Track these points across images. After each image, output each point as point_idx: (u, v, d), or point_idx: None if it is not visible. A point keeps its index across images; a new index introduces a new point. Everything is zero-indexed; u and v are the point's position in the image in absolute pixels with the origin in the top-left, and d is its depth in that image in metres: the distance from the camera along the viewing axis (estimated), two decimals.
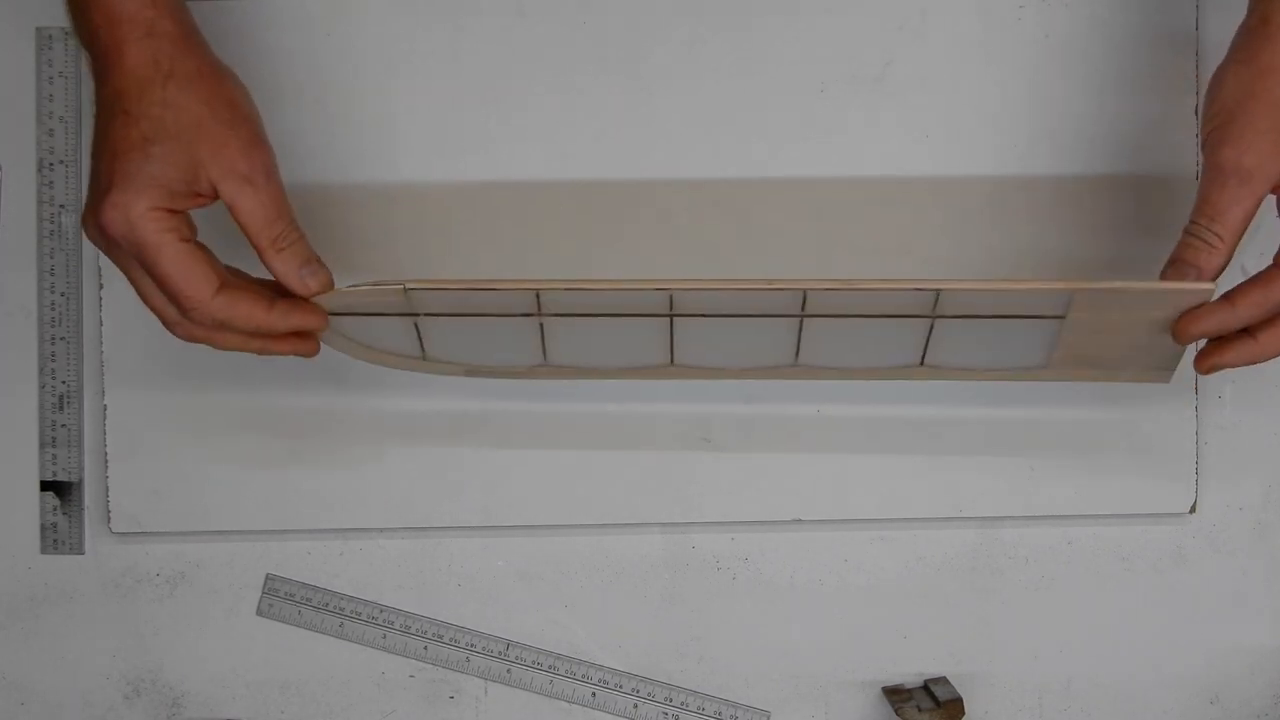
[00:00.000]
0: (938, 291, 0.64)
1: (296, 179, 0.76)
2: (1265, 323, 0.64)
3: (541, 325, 0.68)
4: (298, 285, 0.64)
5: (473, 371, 0.73)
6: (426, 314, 0.68)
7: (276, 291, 0.65)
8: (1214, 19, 0.76)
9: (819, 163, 0.76)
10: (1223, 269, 0.64)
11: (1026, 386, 0.73)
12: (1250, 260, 0.71)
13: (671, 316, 0.67)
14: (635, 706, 0.78)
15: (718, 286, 0.65)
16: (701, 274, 0.70)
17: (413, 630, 0.78)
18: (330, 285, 0.65)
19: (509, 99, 0.76)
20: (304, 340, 0.67)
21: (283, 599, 0.79)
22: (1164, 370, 0.70)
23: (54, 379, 0.78)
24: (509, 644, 0.79)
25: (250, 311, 0.63)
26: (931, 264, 0.76)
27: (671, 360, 0.70)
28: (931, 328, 0.67)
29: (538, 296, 0.66)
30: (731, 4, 0.76)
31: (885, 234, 0.76)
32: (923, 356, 0.69)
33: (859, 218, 0.76)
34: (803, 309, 0.66)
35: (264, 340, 0.65)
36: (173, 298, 0.62)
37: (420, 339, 0.70)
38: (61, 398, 0.78)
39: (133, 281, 0.64)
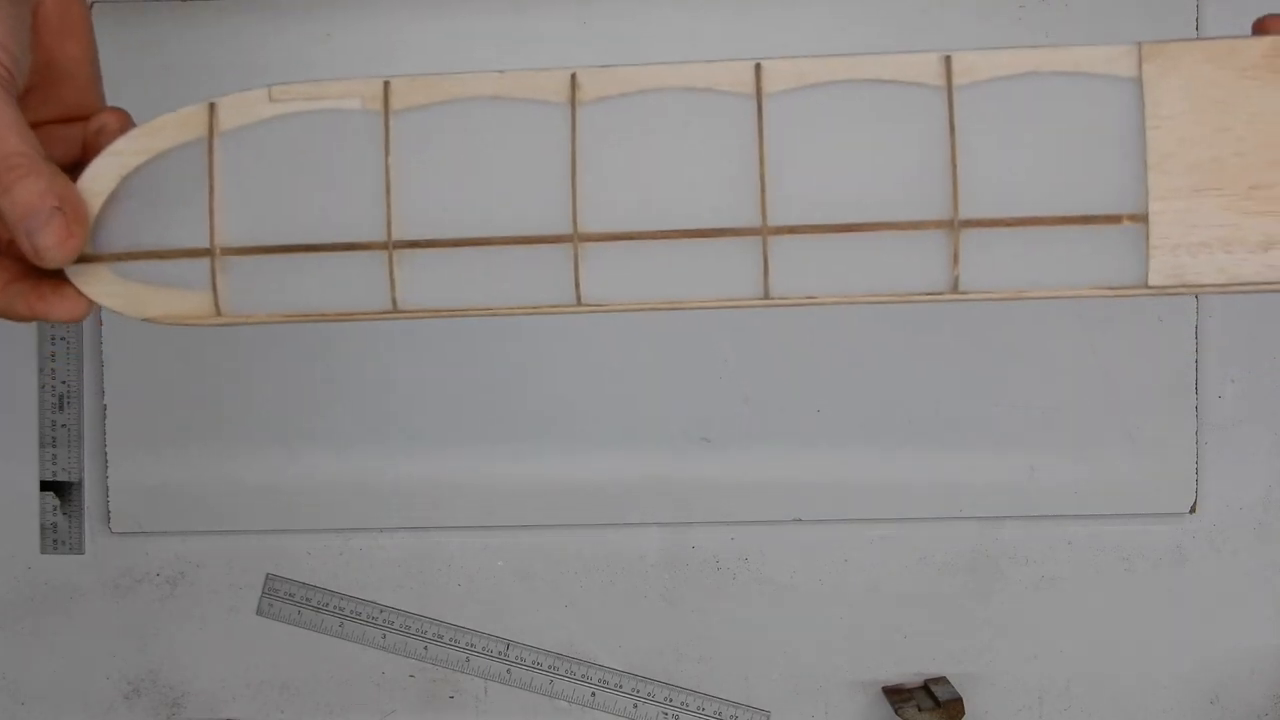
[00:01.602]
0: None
1: None
2: None
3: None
4: (29, 253, 0.45)
5: (294, 317, 0.51)
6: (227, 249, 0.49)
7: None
8: (1214, 19, 0.76)
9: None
10: None
11: (1027, 386, 0.73)
12: None
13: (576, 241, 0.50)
14: (635, 706, 0.78)
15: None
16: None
17: (413, 630, 0.78)
18: (75, 254, 0.46)
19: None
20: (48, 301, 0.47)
21: (283, 599, 0.79)
22: None
23: (54, 379, 0.78)
24: (509, 644, 0.79)
25: None
26: None
27: (578, 297, 0.49)
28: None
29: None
30: (731, 4, 0.76)
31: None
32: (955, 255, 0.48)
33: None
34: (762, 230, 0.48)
35: None
36: None
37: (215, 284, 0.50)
38: (61, 398, 0.78)
39: None
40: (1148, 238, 0.46)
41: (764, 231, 0.48)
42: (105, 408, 0.77)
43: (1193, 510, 0.78)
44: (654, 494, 0.77)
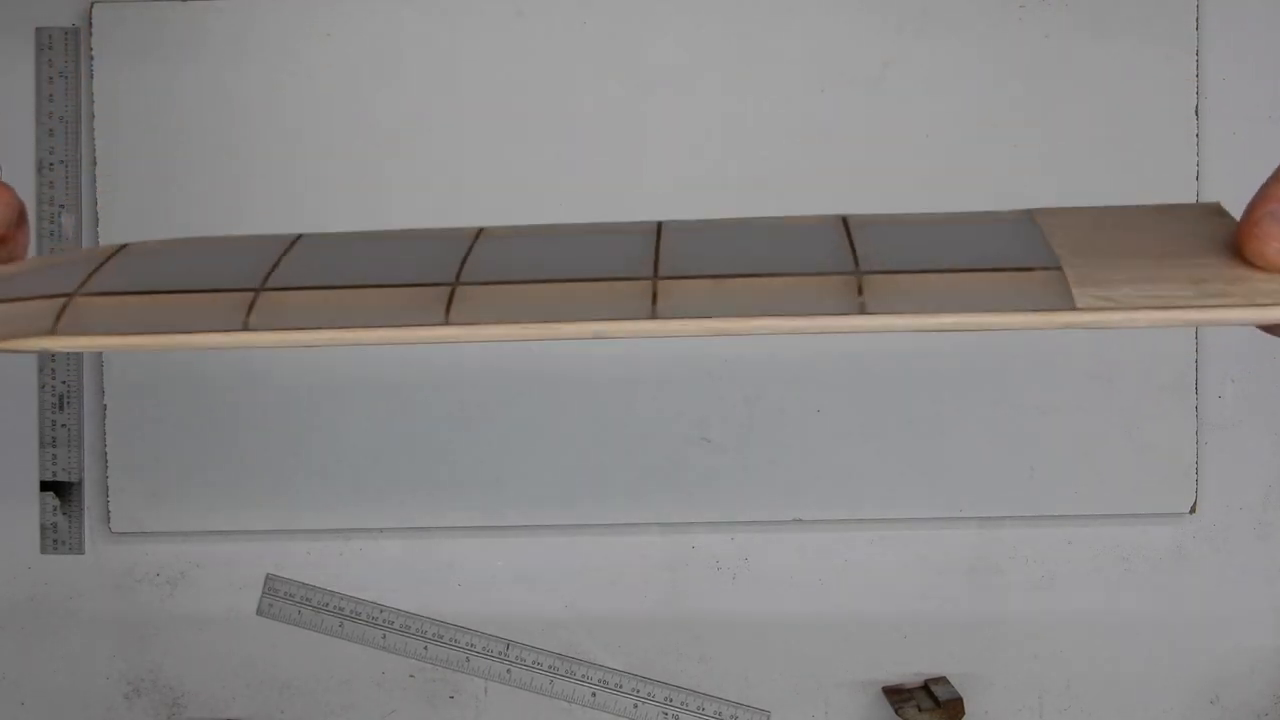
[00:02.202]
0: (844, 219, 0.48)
1: (292, 180, 0.76)
2: None
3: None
4: None
5: (134, 339, 0.47)
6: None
7: None
8: (1214, 19, 0.76)
9: (819, 163, 0.76)
10: None
11: (1027, 383, 0.73)
12: None
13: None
14: (635, 706, 0.78)
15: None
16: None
17: (413, 630, 0.78)
18: None
19: (507, 99, 0.76)
20: None
21: (283, 599, 0.79)
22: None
23: (54, 379, 0.78)
24: (509, 644, 0.79)
25: None
26: None
27: (447, 317, 0.45)
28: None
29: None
30: (731, 5, 0.76)
31: None
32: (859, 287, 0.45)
33: None
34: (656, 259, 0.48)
35: None
36: None
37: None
38: (61, 398, 0.78)
39: None
40: (1066, 280, 0.43)
41: (655, 278, 0.45)
42: (105, 408, 0.77)
43: (1193, 510, 0.78)
44: (654, 494, 0.77)
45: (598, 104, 0.76)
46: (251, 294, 0.45)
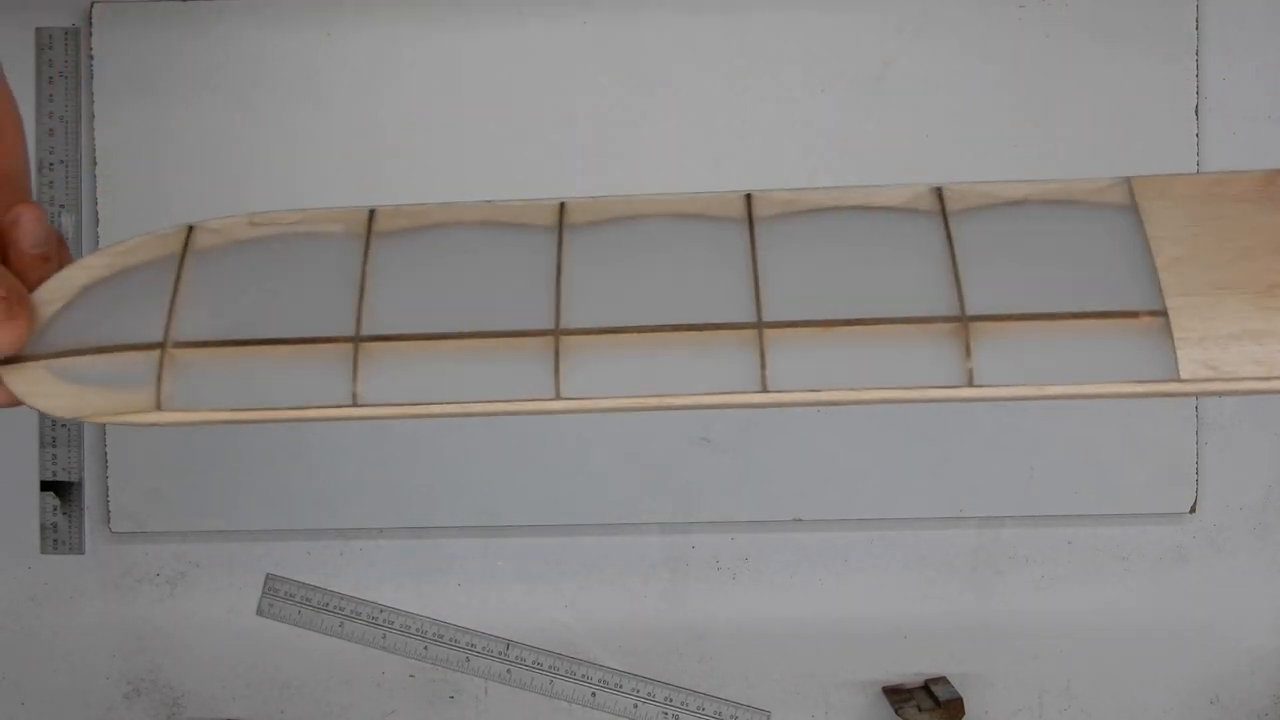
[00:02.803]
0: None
1: (292, 180, 0.76)
2: None
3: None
4: None
5: (242, 415, 0.46)
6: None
7: None
8: (1214, 19, 0.76)
9: (819, 163, 0.76)
10: None
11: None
12: None
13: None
14: (635, 706, 0.78)
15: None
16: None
17: (413, 630, 0.78)
18: (16, 343, 0.45)
19: (508, 100, 0.76)
20: None
21: (283, 599, 0.79)
22: None
23: None
24: (509, 644, 0.79)
25: None
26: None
27: (558, 388, 0.45)
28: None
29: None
30: (731, 5, 0.76)
31: None
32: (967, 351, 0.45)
33: None
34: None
35: None
36: None
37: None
38: None
39: None
40: (1171, 331, 0.43)
41: (760, 326, 0.45)
42: None
43: (1193, 510, 0.78)
44: (654, 494, 0.77)
45: (597, 104, 0.76)
46: (350, 346, 0.45)
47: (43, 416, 0.78)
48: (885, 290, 0.45)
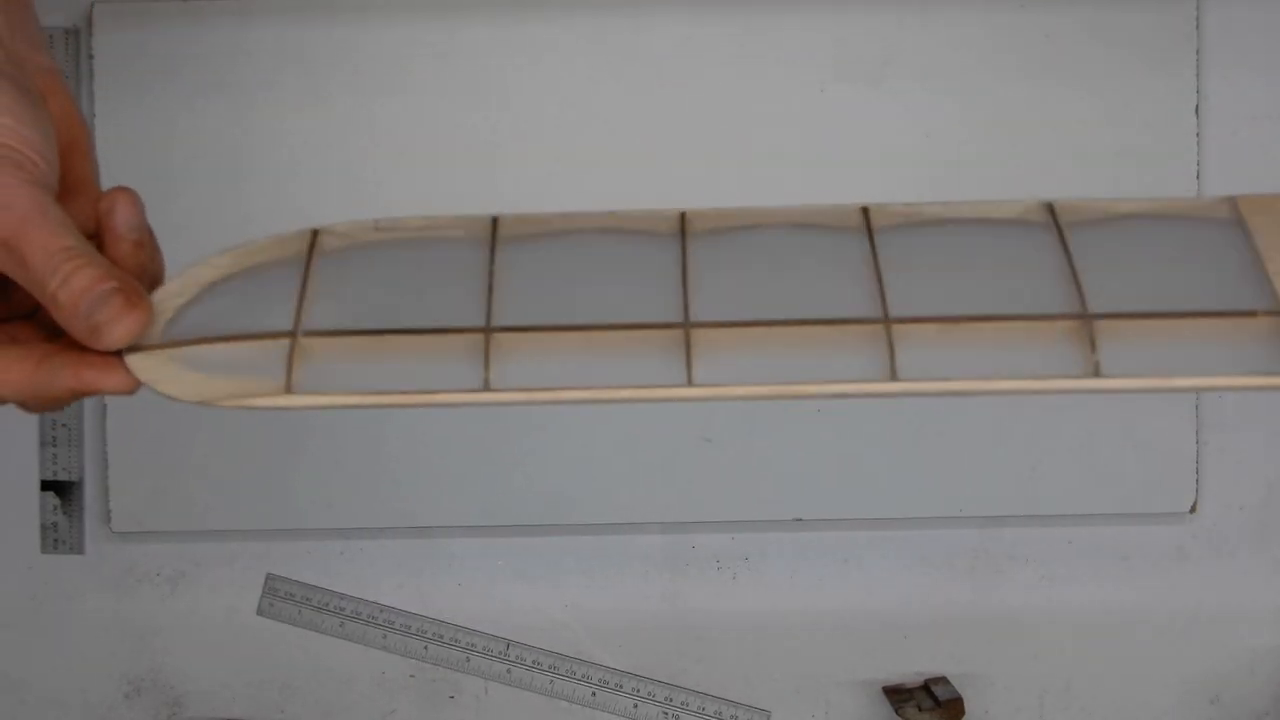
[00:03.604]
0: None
1: (293, 180, 0.76)
2: None
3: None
4: (85, 334, 0.44)
5: (371, 400, 0.46)
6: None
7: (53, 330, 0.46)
8: (1214, 19, 0.76)
9: (819, 162, 0.76)
10: None
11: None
12: None
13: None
14: (635, 706, 0.78)
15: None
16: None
17: (413, 630, 0.78)
18: (135, 331, 0.44)
19: (508, 100, 0.76)
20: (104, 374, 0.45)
21: (283, 599, 0.79)
22: None
23: None
24: (509, 644, 0.79)
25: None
26: None
27: (689, 376, 0.45)
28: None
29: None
30: (731, 4, 0.76)
31: None
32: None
33: None
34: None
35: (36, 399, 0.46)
36: None
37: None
38: None
39: None
40: None
41: (887, 321, 0.45)
42: (105, 408, 0.77)
43: (1193, 510, 0.78)
44: (654, 494, 0.77)
45: (597, 103, 0.76)
46: (481, 336, 0.44)
47: (43, 416, 0.78)
48: (1005, 294, 0.45)
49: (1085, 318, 0.44)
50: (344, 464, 0.77)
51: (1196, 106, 0.76)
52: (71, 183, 0.48)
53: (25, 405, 0.47)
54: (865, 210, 0.47)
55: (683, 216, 0.47)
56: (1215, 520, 0.78)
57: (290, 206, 0.75)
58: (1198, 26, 0.76)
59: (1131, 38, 0.76)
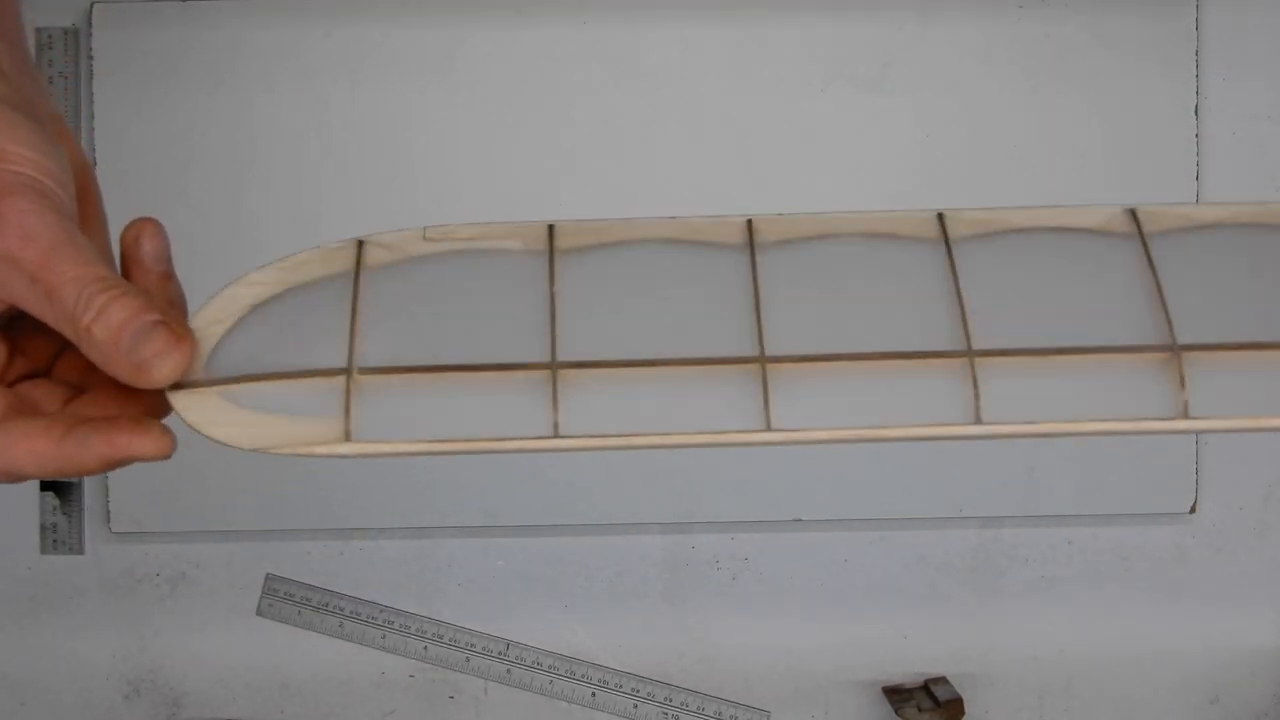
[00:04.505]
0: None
1: (293, 180, 0.76)
2: None
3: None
4: (127, 371, 0.40)
5: (438, 446, 0.43)
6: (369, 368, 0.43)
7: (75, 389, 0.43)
8: (1214, 19, 0.76)
9: (819, 162, 0.76)
10: None
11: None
12: None
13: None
14: (635, 706, 0.78)
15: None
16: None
17: (413, 630, 0.78)
18: (182, 367, 0.41)
19: (508, 99, 0.76)
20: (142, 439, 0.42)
21: (283, 599, 0.79)
22: None
23: None
24: (509, 644, 0.79)
25: (26, 452, 0.41)
26: None
27: (768, 419, 0.44)
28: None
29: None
30: (731, 4, 0.76)
31: None
32: None
33: None
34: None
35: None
36: None
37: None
38: None
39: None
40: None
41: (971, 355, 0.43)
42: None
43: (1193, 510, 0.78)
44: (654, 494, 0.77)
45: (597, 103, 0.76)
46: (548, 372, 0.43)
47: None
48: (1088, 316, 0.44)
49: (1174, 350, 0.43)
50: (343, 465, 0.77)
51: (1196, 107, 0.76)
52: (83, 226, 0.45)
53: (55, 476, 0.43)
54: (941, 217, 0.45)
55: (750, 225, 0.45)
56: (1215, 520, 0.78)
57: (291, 205, 0.75)
58: (1197, 27, 0.76)
59: (1131, 38, 0.76)
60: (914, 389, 0.43)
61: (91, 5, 0.76)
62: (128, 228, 0.44)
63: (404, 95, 0.76)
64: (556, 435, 0.43)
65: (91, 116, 0.76)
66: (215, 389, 0.42)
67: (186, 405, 0.42)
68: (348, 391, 0.42)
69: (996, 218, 0.45)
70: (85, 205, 0.46)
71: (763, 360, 0.43)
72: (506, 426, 0.42)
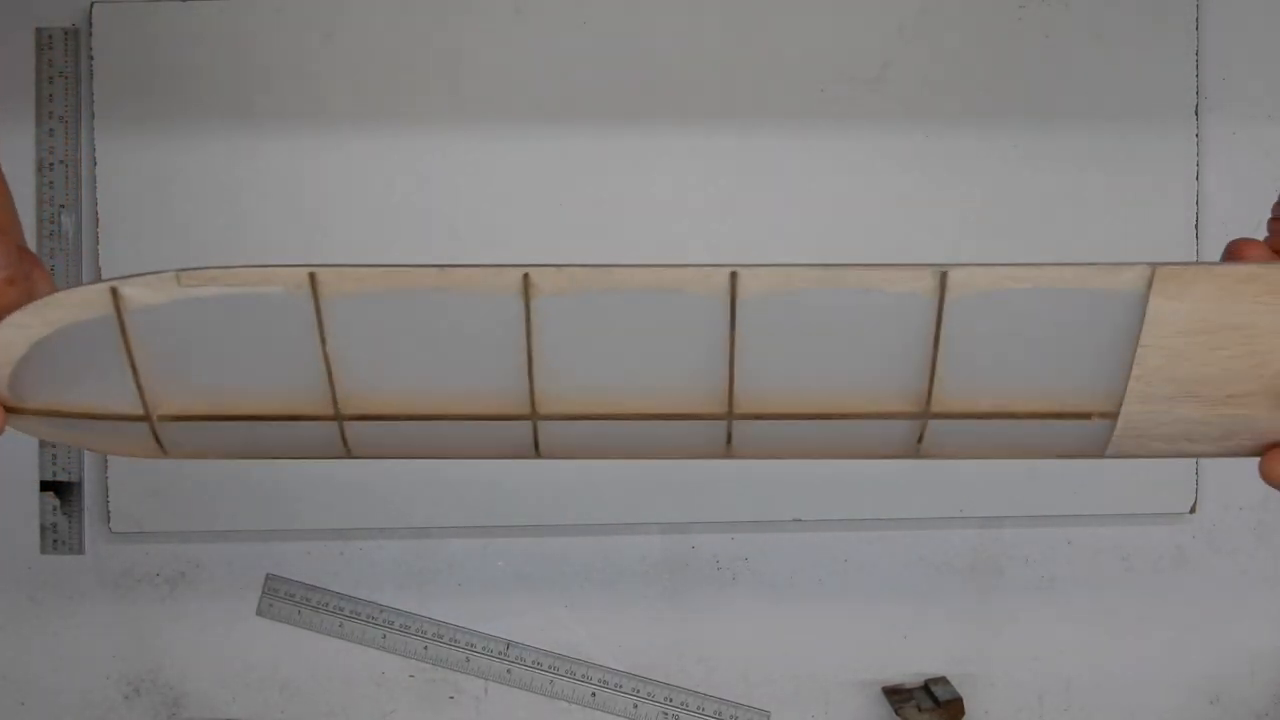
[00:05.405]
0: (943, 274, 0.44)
1: (290, 180, 0.76)
2: None
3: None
4: None
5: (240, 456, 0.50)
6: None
7: None
8: (1214, 19, 0.76)
9: (819, 162, 0.76)
10: None
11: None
12: None
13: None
14: (635, 706, 0.78)
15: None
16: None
17: (413, 630, 0.78)
18: None
19: (508, 99, 0.76)
20: None
21: (283, 599, 0.79)
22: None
23: None
24: (509, 644, 0.79)
25: None
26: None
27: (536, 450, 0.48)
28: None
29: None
30: (732, 5, 0.76)
31: (884, 233, 0.76)
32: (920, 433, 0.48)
33: (858, 217, 0.76)
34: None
35: None
36: None
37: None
38: None
39: None
40: (1114, 430, 0.46)
41: (730, 416, 0.46)
42: None
43: (1193, 510, 0.78)
44: (654, 494, 0.77)
45: (597, 104, 0.76)
46: (335, 425, 0.48)
47: None
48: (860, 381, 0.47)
49: (924, 415, 0.47)
50: (344, 464, 0.77)
51: (1196, 107, 0.76)
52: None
53: None
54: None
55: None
56: (1215, 520, 0.78)
57: (289, 202, 0.75)
58: (1197, 27, 0.76)
59: (1131, 38, 0.76)
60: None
61: (91, 5, 0.76)
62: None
63: (405, 93, 0.76)
64: (349, 455, 0.49)
65: (92, 116, 0.76)
66: (35, 417, 0.48)
67: (13, 423, 0.48)
68: (153, 429, 0.47)
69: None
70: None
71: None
72: (300, 447, 0.48)
